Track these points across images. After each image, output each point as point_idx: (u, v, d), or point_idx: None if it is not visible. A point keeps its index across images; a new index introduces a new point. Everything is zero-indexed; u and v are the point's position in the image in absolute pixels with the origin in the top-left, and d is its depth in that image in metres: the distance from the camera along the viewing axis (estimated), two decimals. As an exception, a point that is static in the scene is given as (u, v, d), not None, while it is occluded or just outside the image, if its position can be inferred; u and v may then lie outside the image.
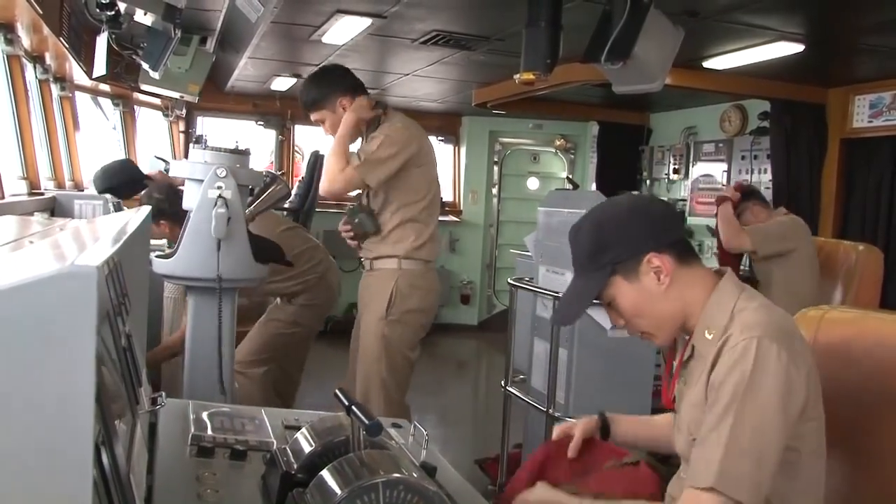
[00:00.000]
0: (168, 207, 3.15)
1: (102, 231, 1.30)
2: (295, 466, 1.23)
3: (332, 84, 2.95)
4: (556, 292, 2.90)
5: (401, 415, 2.68)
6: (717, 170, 6.40)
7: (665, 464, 1.69)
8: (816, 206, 5.29)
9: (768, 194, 5.38)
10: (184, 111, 6.96)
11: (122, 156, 6.07)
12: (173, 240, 2.95)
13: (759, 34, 3.99)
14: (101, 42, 4.47)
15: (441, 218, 3.14)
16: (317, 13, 4.06)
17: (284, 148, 7.55)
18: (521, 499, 1.55)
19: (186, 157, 3.05)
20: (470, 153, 8.10)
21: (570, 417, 2.41)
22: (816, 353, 1.44)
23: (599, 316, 2.56)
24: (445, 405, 5.55)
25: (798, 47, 4.13)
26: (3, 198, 3.51)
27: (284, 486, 1.18)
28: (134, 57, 4.60)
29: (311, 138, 7.40)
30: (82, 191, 5.20)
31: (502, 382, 3.41)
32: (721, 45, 4.32)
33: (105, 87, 5.95)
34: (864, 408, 1.50)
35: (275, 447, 1.38)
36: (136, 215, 1.62)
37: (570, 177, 7.61)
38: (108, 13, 3.49)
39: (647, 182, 7.20)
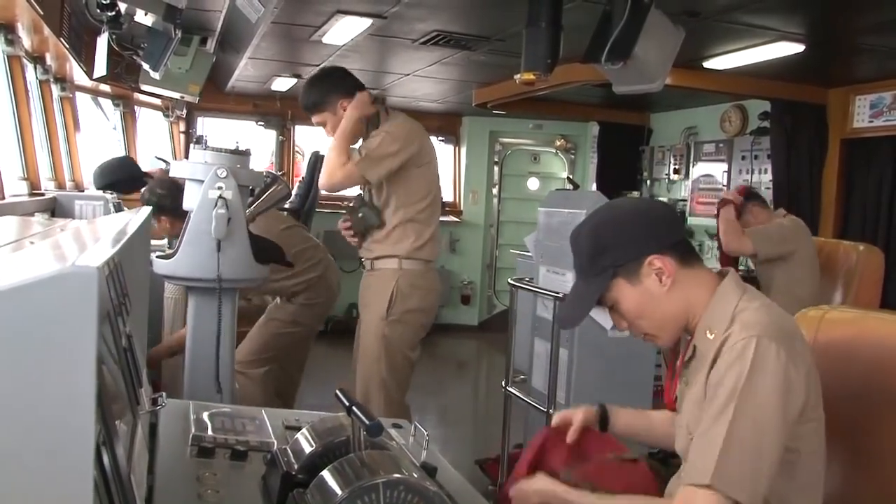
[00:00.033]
0: (170, 203, 3.14)
1: (103, 231, 1.30)
2: (295, 467, 1.23)
3: (332, 86, 2.96)
4: (557, 292, 2.91)
5: (401, 415, 2.68)
6: (718, 170, 6.40)
7: (665, 465, 1.69)
8: (817, 207, 5.29)
9: (769, 194, 5.38)
10: (184, 111, 6.97)
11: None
12: (174, 236, 2.95)
13: (759, 34, 3.99)
14: (102, 42, 4.48)
15: (441, 218, 3.14)
16: (317, 13, 4.07)
17: (285, 148, 7.56)
18: (519, 488, 1.55)
19: (187, 157, 3.06)
20: (470, 153, 8.11)
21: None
22: (816, 353, 1.44)
23: (600, 316, 2.56)
24: (446, 405, 5.56)
25: (798, 47, 4.13)
26: (3, 198, 3.52)
27: (285, 486, 1.18)
28: (134, 57, 4.60)
29: (311, 139, 7.40)
30: (83, 191, 5.20)
31: (503, 383, 3.41)
32: (721, 45, 4.32)
33: (105, 87, 5.96)
34: (864, 408, 1.50)
35: (275, 447, 1.38)
36: (136, 216, 1.62)
37: (571, 177, 7.62)
38: (109, 14, 3.49)
39: (648, 182, 7.20)
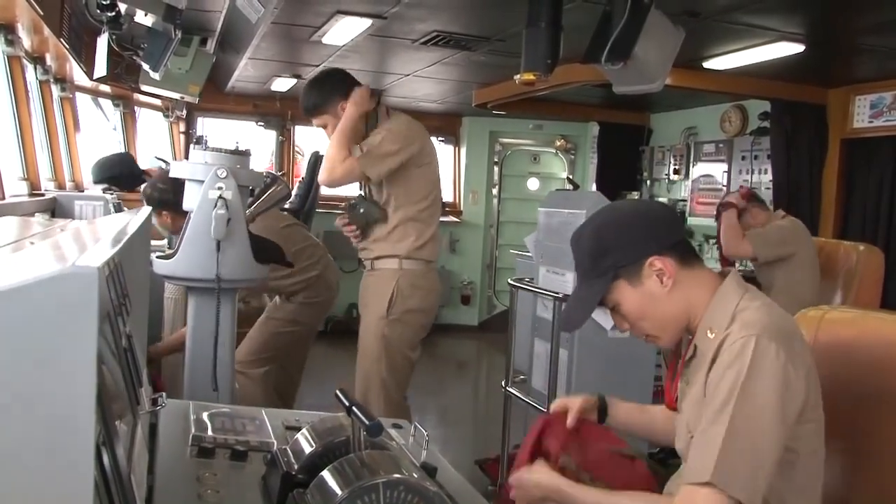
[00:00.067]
0: (172, 197, 3.14)
1: (103, 232, 1.30)
2: (295, 467, 1.23)
3: (332, 88, 2.96)
4: (557, 293, 2.91)
5: (401, 415, 2.68)
6: (718, 170, 6.40)
7: (664, 466, 1.69)
8: (817, 207, 5.29)
9: (768, 195, 5.39)
10: (184, 112, 6.97)
11: (122, 157, 6.08)
12: (175, 231, 2.95)
13: (759, 34, 3.99)
14: (102, 43, 4.48)
15: (441, 218, 3.14)
16: (317, 14, 4.07)
17: (285, 148, 7.56)
18: (519, 477, 1.55)
19: (187, 157, 3.05)
20: (470, 153, 8.11)
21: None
22: (816, 354, 1.44)
23: (600, 316, 2.56)
24: (446, 405, 5.56)
25: (798, 47, 4.13)
26: (3, 198, 3.52)
27: (285, 486, 1.18)
28: (134, 58, 4.60)
29: (311, 139, 7.40)
30: (83, 192, 5.20)
31: (503, 383, 3.42)
32: (721, 46, 4.32)
33: (105, 87, 5.96)
34: (864, 408, 1.50)
35: (275, 448, 1.38)
36: (136, 216, 1.62)
37: (571, 177, 7.62)
38: (109, 14, 3.49)
39: (648, 182, 7.20)
